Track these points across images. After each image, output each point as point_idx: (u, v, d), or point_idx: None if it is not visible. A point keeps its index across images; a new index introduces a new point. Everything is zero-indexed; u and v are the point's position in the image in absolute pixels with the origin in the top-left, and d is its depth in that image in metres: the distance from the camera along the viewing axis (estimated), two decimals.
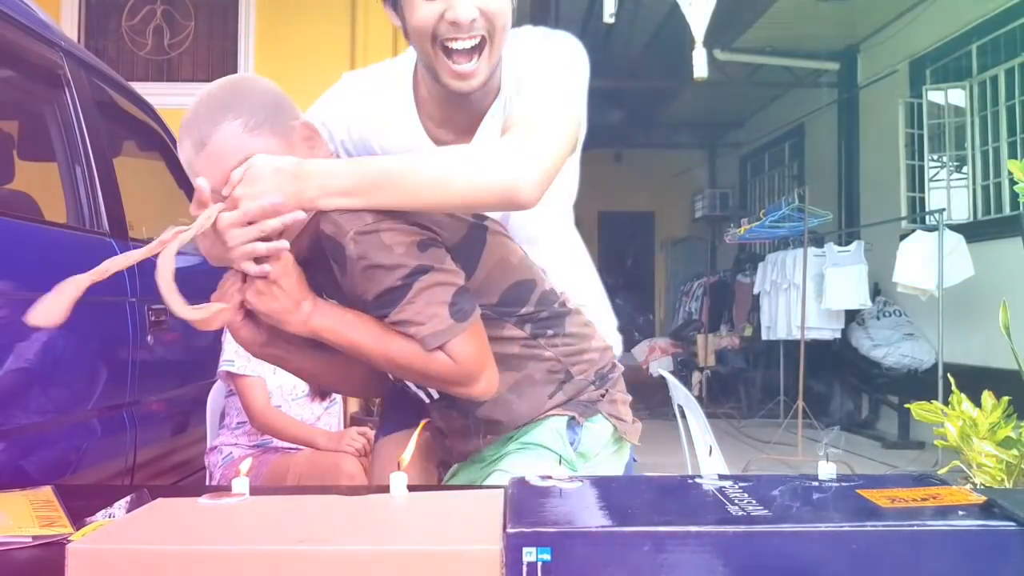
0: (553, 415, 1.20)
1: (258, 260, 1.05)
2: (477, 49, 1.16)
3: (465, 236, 1.15)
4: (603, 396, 1.23)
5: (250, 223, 1.04)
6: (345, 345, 1.10)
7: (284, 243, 1.05)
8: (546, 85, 1.16)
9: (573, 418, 1.20)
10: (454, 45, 1.15)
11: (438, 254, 1.08)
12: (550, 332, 1.20)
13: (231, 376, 2.28)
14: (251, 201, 1.03)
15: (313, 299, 1.10)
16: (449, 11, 1.12)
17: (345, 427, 2.55)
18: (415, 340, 1.06)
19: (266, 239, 1.04)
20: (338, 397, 2.51)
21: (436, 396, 1.22)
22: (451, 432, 1.27)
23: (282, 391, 2.31)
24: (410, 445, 0.97)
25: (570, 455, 1.19)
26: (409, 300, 1.05)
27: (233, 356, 2.25)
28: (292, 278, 1.07)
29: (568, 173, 1.35)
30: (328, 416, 2.42)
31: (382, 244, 1.04)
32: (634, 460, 1.37)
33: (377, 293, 1.06)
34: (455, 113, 1.27)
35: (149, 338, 2.12)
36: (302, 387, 2.34)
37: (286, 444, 2.30)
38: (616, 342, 1.41)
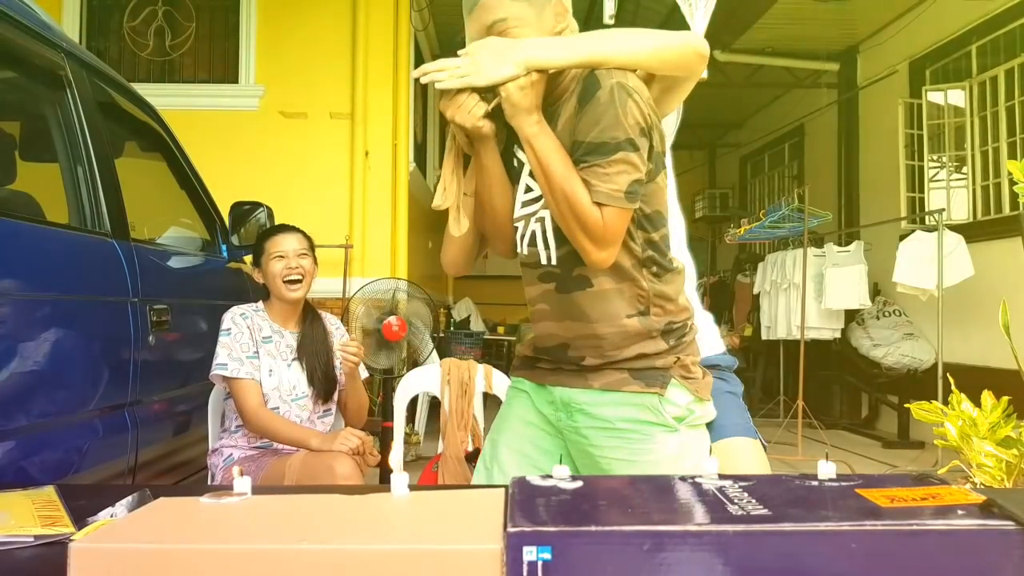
0: (638, 392, 1.35)
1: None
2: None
3: (660, 152, 1.36)
4: (675, 362, 1.37)
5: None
6: (542, 161, 1.30)
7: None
8: None
9: (658, 393, 1.34)
10: None
11: (645, 144, 1.29)
12: (654, 269, 1.39)
13: (225, 379, 2.28)
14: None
15: (541, 115, 1.32)
16: None
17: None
18: (589, 189, 1.26)
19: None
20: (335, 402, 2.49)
21: (553, 263, 1.40)
22: (541, 316, 1.45)
23: (280, 392, 2.29)
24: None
25: (671, 422, 1.35)
26: (609, 161, 1.26)
27: (226, 359, 2.23)
28: (541, 88, 1.31)
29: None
30: (323, 423, 2.40)
31: (626, 105, 1.26)
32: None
33: (597, 137, 1.26)
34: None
35: (151, 338, 2.13)
36: (301, 388, 2.34)
37: (286, 446, 2.29)
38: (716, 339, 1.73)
